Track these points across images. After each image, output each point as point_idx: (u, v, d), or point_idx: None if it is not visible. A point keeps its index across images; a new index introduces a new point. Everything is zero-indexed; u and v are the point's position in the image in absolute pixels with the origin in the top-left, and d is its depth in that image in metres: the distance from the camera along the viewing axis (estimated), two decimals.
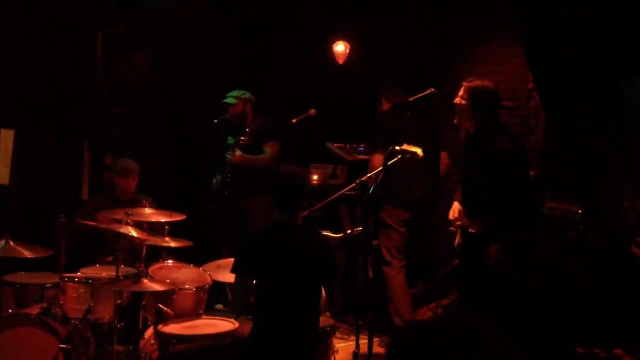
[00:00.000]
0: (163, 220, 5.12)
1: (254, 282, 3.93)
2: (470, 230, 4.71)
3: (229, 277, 4.35)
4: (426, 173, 5.78)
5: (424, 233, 6.45)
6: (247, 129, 6.50)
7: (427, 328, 1.64)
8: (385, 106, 6.09)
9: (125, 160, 6.16)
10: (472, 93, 4.71)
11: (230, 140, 6.73)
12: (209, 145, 7.13)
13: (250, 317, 4.06)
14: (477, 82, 4.77)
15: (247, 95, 6.67)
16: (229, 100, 6.63)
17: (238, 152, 6.41)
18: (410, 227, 5.91)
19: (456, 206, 4.96)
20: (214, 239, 6.76)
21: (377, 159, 5.52)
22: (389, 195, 5.78)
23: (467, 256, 4.89)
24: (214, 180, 6.79)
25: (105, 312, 4.61)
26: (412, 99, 4.91)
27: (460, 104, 4.74)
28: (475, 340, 1.56)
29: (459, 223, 4.87)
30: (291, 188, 3.99)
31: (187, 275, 5.07)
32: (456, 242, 4.90)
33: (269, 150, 6.47)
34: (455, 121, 4.83)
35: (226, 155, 6.47)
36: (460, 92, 4.77)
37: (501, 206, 4.60)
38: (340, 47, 7.66)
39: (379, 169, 4.84)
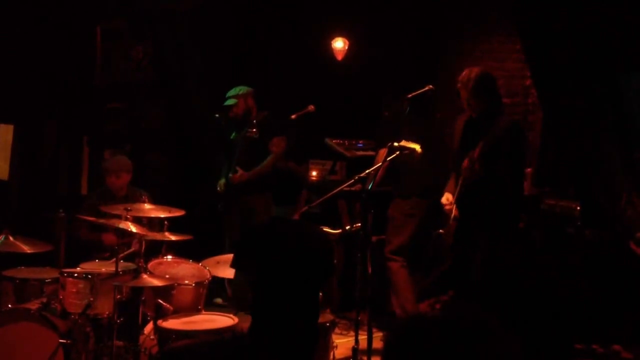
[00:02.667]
0: (163, 215, 5.13)
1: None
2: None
3: (228, 273, 4.36)
4: (431, 166, 5.86)
5: (424, 229, 6.48)
6: (253, 129, 6.51)
7: (425, 321, 1.64)
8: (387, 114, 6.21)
9: (114, 159, 6.20)
10: (476, 81, 5.05)
11: (235, 135, 6.74)
12: (209, 141, 7.14)
13: (250, 312, 4.07)
14: (476, 70, 5.16)
15: (244, 90, 6.64)
16: (229, 102, 6.60)
17: (239, 172, 6.45)
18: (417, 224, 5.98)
19: (448, 195, 5.24)
20: (214, 235, 6.77)
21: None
22: (397, 190, 5.90)
23: (463, 232, 5.15)
24: (218, 188, 6.77)
25: (104, 307, 4.61)
26: (410, 95, 4.92)
27: (465, 92, 5.10)
28: (474, 333, 1.57)
29: (449, 207, 5.17)
30: (288, 182, 4.01)
31: (186, 271, 5.08)
32: (452, 215, 5.08)
33: (274, 149, 6.46)
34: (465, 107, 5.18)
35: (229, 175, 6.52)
36: (464, 80, 5.10)
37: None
38: (339, 44, 7.67)
39: (377, 165, 4.86)
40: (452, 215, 5.15)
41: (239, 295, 4.06)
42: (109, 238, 5.68)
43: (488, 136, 4.93)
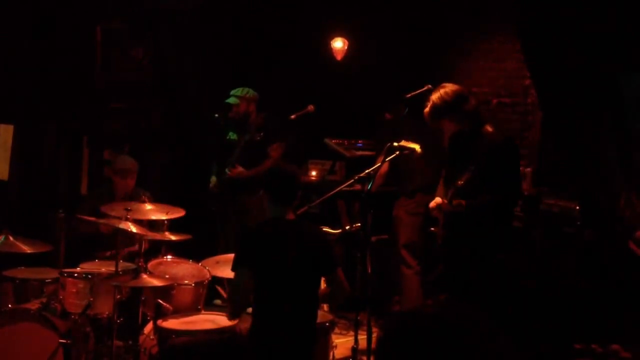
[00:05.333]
0: (163, 218, 5.10)
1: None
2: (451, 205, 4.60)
3: (228, 273, 4.37)
4: (431, 164, 5.85)
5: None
6: (261, 132, 6.51)
7: (417, 318, 1.64)
8: (389, 117, 6.22)
9: (124, 160, 6.10)
10: (443, 105, 4.59)
11: (232, 135, 6.74)
12: (208, 140, 7.15)
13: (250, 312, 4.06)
14: (441, 92, 4.62)
15: (250, 94, 6.63)
16: (231, 100, 6.59)
17: (239, 169, 6.45)
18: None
19: (437, 199, 4.81)
20: (214, 235, 6.78)
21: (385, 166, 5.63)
22: (402, 189, 5.93)
23: (451, 243, 4.87)
24: (210, 184, 6.79)
25: (104, 307, 4.62)
26: (409, 95, 4.92)
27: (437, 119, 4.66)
28: (465, 331, 1.57)
29: (436, 213, 4.78)
30: (283, 180, 4.02)
31: (186, 271, 5.08)
32: (440, 229, 4.93)
33: (273, 154, 6.45)
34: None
35: (226, 170, 6.52)
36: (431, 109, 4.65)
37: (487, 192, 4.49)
38: (338, 44, 7.68)
39: (377, 165, 4.86)
40: (441, 222, 4.92)
41: (236, 300, 4.03)
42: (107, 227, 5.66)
43: (470, 163, 4.49)
